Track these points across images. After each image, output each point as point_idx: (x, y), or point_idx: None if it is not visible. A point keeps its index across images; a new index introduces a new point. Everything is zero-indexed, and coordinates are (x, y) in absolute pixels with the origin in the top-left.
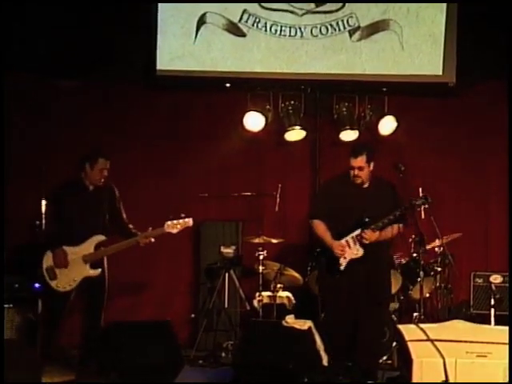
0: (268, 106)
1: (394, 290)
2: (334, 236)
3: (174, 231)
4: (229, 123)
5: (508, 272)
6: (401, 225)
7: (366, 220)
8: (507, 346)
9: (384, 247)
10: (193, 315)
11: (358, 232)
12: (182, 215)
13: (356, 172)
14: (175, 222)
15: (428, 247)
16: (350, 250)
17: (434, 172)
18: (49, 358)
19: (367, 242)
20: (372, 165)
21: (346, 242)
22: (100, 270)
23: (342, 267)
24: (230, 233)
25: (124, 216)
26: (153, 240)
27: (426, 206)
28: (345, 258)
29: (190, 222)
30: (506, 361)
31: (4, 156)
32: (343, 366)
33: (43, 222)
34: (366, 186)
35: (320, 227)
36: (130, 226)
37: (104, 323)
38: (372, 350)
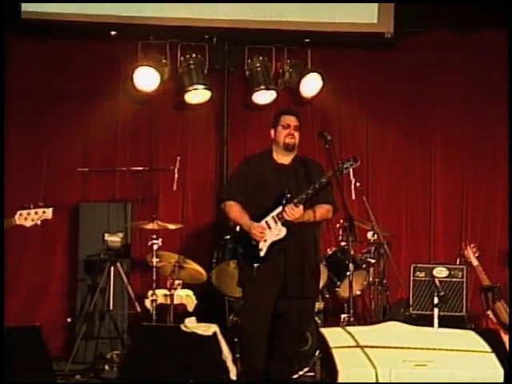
0: (164, 60)
1: None
2: (253, 220)
3: (28, 224)
4: (114, 80)
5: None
6: (328, 206)
7: (288, 196)
8: (452, 353)
9: (311, 232)
10: (69, 319)
11: (278, 210)
12: (41, 204)
13: (292, 131)
14: (31, 211)
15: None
16: (270, 231)
17: (367, 142)
18: None
19: (290, 219)
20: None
21: (266, 223)
22: None
23: (262, 252)
24: (115, 216)
25: None
26: None
27: (354, 167)
28: (265, 241)
29: (49, 214)
30: (451, 371)
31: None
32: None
33: None
34: (287, 163)
35: (234, 209)
36: None
37: None
38: (292, 355)
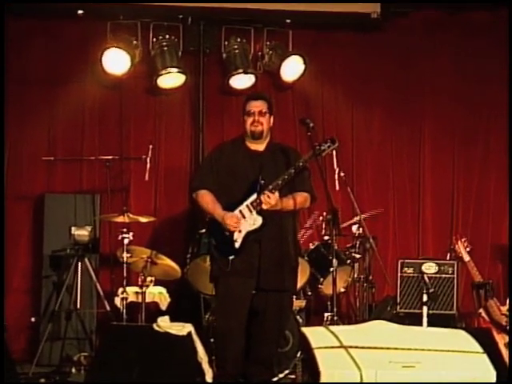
0: (135, 41)
1: (299, 283)
2: (226, 210)
3: None
4: (82, 63)
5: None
6: (306, 194)
7: (262, 182)
8: (442, 354)
9: (288, 222)
10: (33, 319)
11: (253, 198)
12: None
13: (257, 117)
14: None
15: (344, 225)
16: (244, 221)
17: (352, 129)
18: None
19: (266, 207)
20: (272, 120)
21: (240, 212)
22: None
23: (237, 244)
24: (83, 209)
25: None
26: None
27: (332, 149)
28: (240, 231)
29: None
30: (440, 372)
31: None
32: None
33: None
34: (261, 149)
35: (207, 199)
36: None
37: None
38: (271, 356)
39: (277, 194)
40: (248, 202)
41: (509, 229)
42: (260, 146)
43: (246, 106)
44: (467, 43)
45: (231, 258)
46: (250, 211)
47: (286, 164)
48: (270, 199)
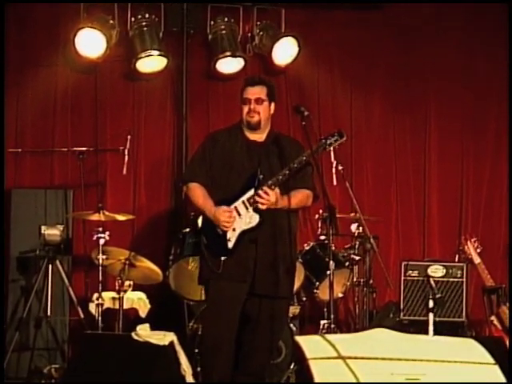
0: (111, 21)
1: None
2: (219, 205)
3: None
4: (53, 45)
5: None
6: (308, 191)
7: (261, 177)
8: (449, 365)
9: (285, 221)
10: None
11: (250, 193)
12: None
13: (252, 106)
14: None
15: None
16: (239, 218)
17: (351, 117)
18: None
19: (265, 206)
20: (273, 108)
21: (235, 209)
22: None
23: (230, 244)
24: (54, 206)
25: None
26: None
27: (340, 143)
28: (234, 230)
29: None
30: None
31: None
32: None
33: None
34: (260, 140)
35: (197, 193)
36: None
37: None
38: (263, 367)
39: (277, 190)
40: (244, 197)
41: (509, 228)
42: (259, 137)
43: (242, 93)
44: (474, 22)
45: (223, 258)
46: (246, 208)
47: (287, 156)
48: (269, 196)
